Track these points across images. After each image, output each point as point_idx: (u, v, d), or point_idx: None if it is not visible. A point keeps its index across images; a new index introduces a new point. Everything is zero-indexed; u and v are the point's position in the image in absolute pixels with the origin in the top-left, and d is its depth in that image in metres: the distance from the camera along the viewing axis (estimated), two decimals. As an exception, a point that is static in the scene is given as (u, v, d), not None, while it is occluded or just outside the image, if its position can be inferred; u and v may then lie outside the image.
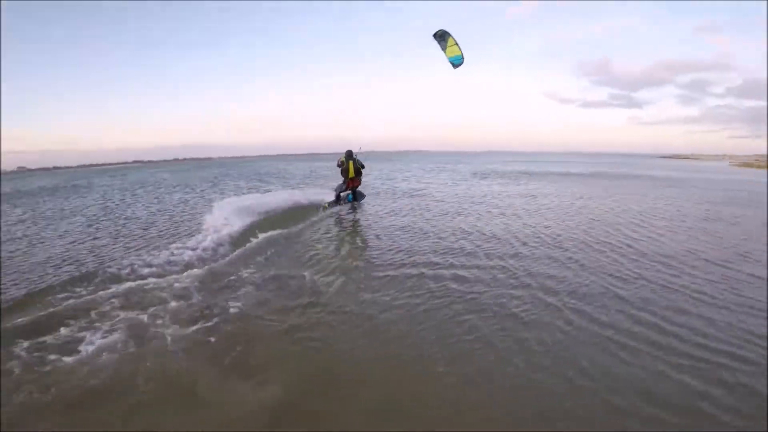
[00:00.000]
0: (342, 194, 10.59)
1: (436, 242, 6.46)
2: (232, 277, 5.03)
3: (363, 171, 10.67)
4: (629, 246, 6.09)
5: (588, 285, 4.42)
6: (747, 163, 55.37)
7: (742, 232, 7.07)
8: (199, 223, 8.17)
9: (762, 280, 4.53)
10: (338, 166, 10.46)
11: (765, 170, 39.25)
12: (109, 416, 2.57)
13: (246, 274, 5.14)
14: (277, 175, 24.59)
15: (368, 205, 10.46)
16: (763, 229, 7.29)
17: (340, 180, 10.52)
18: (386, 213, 9.40)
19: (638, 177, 22.59)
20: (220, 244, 6.55)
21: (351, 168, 10.31)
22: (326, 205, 10.05)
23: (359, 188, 10.90)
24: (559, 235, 6.76)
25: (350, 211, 9.97)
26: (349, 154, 10.34)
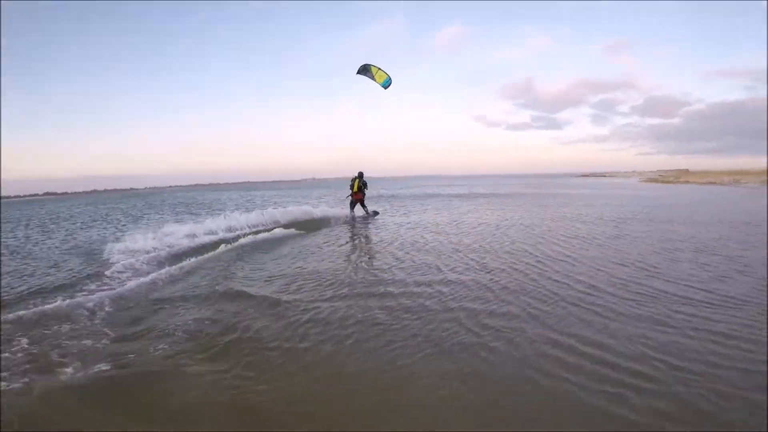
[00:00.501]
0: (354, 206, 13.75)
1: (373, 268, 6.51)
2: (151, 309, 4.74)
3: (366, 190, 13.69)
4: (543, 263, 6.43)
5: (506, 305, 4.57)
6: (653, 179, 61.85)
7: (642, 248, 7.74)
8: (113, 259, 7.64)
9: (659, 292, 4.93)
10: (356, 183, 13.46)
11: (667, 185, 44.19)
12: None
13: (169, 305, 4.82)
14: (208, 206, 23.53)
15: (312, 237, 10.23)
16: (660, 243, 8.03)
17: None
18: (326, 242, 9.34)
19: (558, 196, 24.35)
20: (138, 275, 6.24)
21: (355, 184, 13.41)
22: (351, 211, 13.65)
23: (366, 204, 13.98)
24: (483, 260, 6.99)
25: (362, 221, 13.03)
26: (360, 175, 13.42)
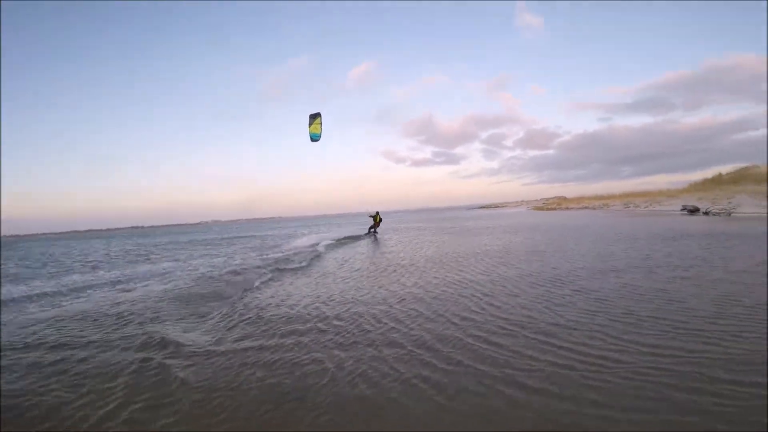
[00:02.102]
0: (371, 230, 22.96)
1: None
2: None
3: (381, 223, 23.87)
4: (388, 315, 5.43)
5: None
6: (539, 207, 67.81)
7: (502, 287, 7.21)
8: None
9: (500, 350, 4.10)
10: (371, 216, 22.80)
11: (551, 212, 48.36)
12: None
13: None
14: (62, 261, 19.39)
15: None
16: (523, 279, 7.60)
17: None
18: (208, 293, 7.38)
19: (452, 230, 24.71)
20: None
21: (377, 217, 22.87)
22: (368, 233, 23.00)
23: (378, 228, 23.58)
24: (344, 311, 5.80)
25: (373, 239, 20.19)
26: (377, 213, 22.92)
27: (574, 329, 4.57)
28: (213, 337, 5.13)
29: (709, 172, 37.69)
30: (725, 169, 35.61)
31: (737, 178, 30.57)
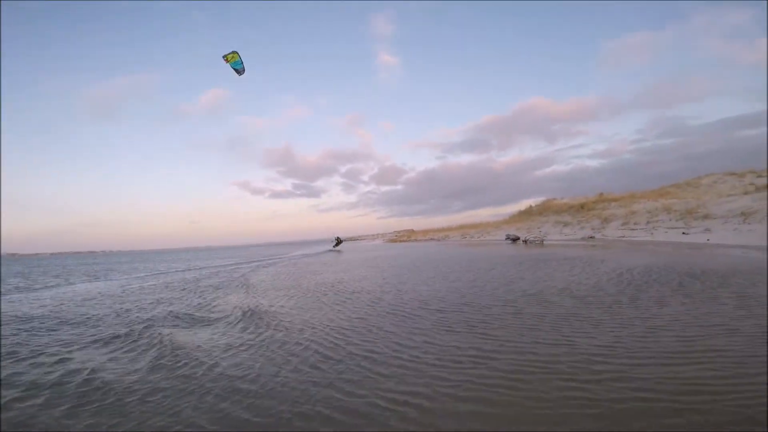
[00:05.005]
0: (336, 245, 47.10)
1: None
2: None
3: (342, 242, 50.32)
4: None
5: None
6: (393, 239, 71.93)
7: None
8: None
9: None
10: (336, 238, 47.86)
11: (403, 243, 51.71)
12: None
13: None
14: None
15: None
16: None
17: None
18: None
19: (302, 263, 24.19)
20: None
21: (337, 240, 47.88)
22: (334, 246, 47.30)
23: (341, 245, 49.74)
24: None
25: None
26: (338, 237, 48.65)
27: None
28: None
29: (522, 205, 45.83)
30: (533, 201, 43.45)
31: (542, 210, 37.40)
